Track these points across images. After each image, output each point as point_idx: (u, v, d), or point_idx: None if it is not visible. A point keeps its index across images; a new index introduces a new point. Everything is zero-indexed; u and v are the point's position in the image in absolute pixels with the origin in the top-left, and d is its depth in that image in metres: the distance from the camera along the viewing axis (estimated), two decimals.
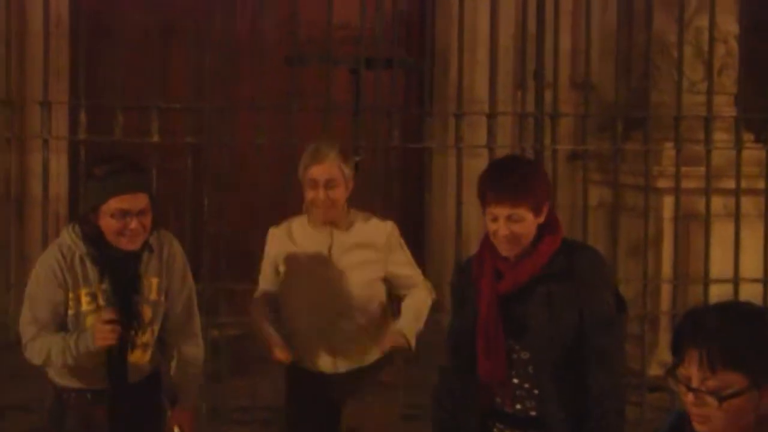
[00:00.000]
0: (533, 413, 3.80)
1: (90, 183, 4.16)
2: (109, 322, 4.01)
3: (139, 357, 4.25)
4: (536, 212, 3.73)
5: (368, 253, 4.70)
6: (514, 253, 3.75)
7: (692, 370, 2.77)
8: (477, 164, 7.39)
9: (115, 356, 4.16)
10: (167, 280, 4.27)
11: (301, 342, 4.69)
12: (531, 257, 3.75)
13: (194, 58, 6.33)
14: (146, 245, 4.16)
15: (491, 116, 6.85)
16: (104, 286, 4.13)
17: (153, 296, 4.23)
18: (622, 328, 3.93)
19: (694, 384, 2.76)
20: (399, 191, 6.89)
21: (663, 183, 7.85)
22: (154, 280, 4.22)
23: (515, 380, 3.81)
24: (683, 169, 7.23)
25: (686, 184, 7.32)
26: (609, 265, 3.86)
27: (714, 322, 2.78)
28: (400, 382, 5.38)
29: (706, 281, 7.14)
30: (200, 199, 6.47)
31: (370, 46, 6.63)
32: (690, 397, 2.78)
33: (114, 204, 4.00)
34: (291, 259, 4.69)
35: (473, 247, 7.76)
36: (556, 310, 3.73)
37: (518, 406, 3.83)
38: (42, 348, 4.15)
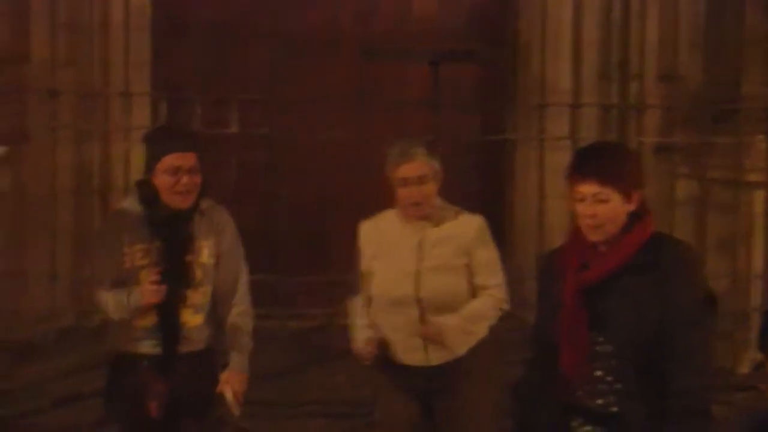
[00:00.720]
0: (614, 409, 3.72)
1: (147, 146, 4.49)
2: (154, 282, 4.29)
3: (191, 317, 4.45)
4: (625, 196, 3.65)
5: (455, 248, 4.67)
6: (600, 238, 3.67)
7: None
8: (559, 157, 7.33)
9: (167, 315, 4.39)
10: (218, 245, 4.48)
11: (393, 336, 4.67)
12: (618, 247, 3.67)
13: (271, 50, 6.32)
14: (198, 209, 4.43)
15: (575, 107, 6.75)
16: (157, 243, 4.37)
17: (203, 258, 4.45)
18: (709, 326, 3.77)
19: None
20: (480, 185, 6.84)
21: (754, 177, 7.65)
22: (205, 243, 4.45)
23: (598, 373, 3.71)
24: None
25: None
26: (699, 260, 3.74)
27: None
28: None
29: None
30: (277, 191, 6.48)
31: (448, 39, 6.58)
32: None
33: (168, 161, 4.34)
34: (381, 253, 4.70)
35: (556, 240, 7.71)
36: (641, 303, 3.64)
37: (599, 401, 3.74)
38: (102, 301, 4.44)
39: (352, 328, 4.77)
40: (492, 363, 4.80)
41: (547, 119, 6.75)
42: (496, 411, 4.77)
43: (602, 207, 3.64)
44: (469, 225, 4.73)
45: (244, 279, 4.61)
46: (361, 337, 4.67)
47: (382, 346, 4.64)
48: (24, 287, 6.74)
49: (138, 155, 6.99)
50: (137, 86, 6.73)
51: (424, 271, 4.62)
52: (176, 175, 4.34)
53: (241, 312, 4.58)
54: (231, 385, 4.49)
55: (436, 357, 4.65)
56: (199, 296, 4.45)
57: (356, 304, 4.81)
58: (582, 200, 3.66)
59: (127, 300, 4.36)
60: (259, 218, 6.34)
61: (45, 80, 6.65)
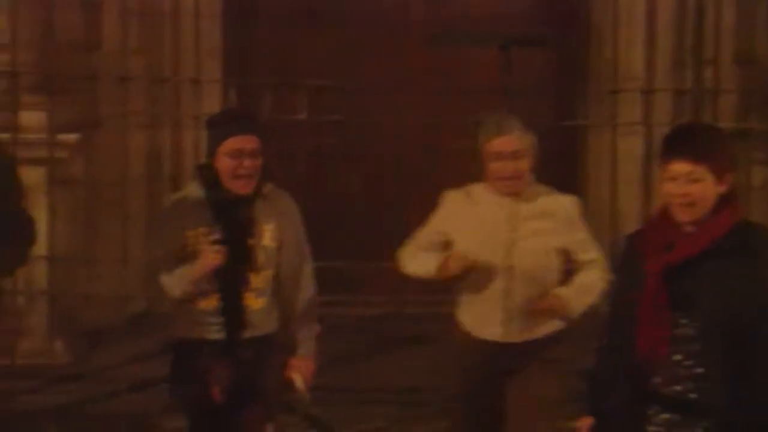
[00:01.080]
0: (693, 396, 3.66)
1: (209, 130, 4.49)
2: (215, 242, 4.29)
3: (253, 301, 4.43)
4: (717, 177, 3.61)
5: (548, 223, 4.60)
6: (690, 218, 3.63)
7: None
8: (632, 142, 7.26)
9: (230, 298, 4.38)
10: (280, 229, 4.46)
11: (473, 308, 4.63)
12: (706, 229, 3.63)
13: (341, 36, 6.31)
14: (260, 193, 4.42)
15: (648, 93, 6.66)
16: (219, 227, 4.36)
17: (266, 242, 4.42)
18: None
19: None
20: (552, 171, 6.74)
21: None
22: (267, 227, 4.43)
23: (677, 357, 3.65)
24: None
25: None
26: None
27: None
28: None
29: None
30: (347, 177, 6.48)
31: (519, 23, 6.52)
32: None
33: (230, 144, 4.33)
34: (468, 223, 4.61)
35: (628, 226, 7.64)
36: (730, 288, 3.57)
37: (677, 387, 3.67)
38: (162, 280, 4.43)
39: (419, 260, 4.65)
40: (566, 348, 4.70)
41: (619, 105, 6.65)
42: (564, 397, 4.73)
43: (695, 186, 3.59)
44: (563, 202, 4.70)
45: (307, 264, 4.61)
46: (436, 258, 4.56)
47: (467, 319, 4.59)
48: (96, 273, 6.81)
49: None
50: (208, 73, 6.72)
51: (517, 241, 4.54)
52: (238, 158, 4.33)
53: (306, 297, 4.58)
54: (299, 370, 4.50)
55: (515, 333, 4.58)
56: (261, 280, 4.43)
57: (413, 249, 4.72)
58: (674, 179, 3.62)
59: (190, 271, 4.35)
60: (329, 204, 6.33)
61: (116, 67, 6.68)
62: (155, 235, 4.62)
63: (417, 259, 4.69)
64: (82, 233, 6.79)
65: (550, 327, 4.64)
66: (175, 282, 4.40)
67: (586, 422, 3.90)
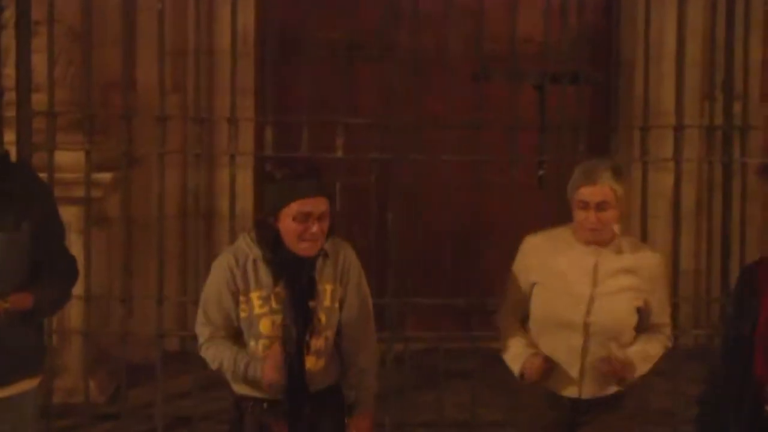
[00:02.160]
0: None
1: (271, 186, 4.17)
2: (279, 362, 4.09)
3: (314, 363, 4.25)
4: None
5: (633, 280, 4.51)
6: None
7: None
8: (663, 178, 7.32)
9: (290, 364, 4.16)
10: (342, 287, 4.28)
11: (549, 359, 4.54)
12: None
13: (380, 73, 6.35)
14: (322, 251, 4.20)
15: (678, 129, 6.72)
16: (278, 289, 4.16)
17: (327, 302, 4.23)
18: None
19: None
20: None
21: None
22: (329, 287, 4.23)
23: None
24: None
25: None
26: None
27: None
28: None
29: None
30: (385, 216, 6.49)
31: (555, 60, 6.57)
32: None
33: (296, 207, 4.06)
34: (551, 271, 4.53)
35: None
36: None
37: None
38: (215, 358, 4.28)
39: (507, 347, 4.60)
40: (638, 393, 4.71)
41: (650, 141, 6.70)
42: None
43: None
44: (651, 259, 4.60)
45: (370, 320, 4.42)
46: (523, 353, 4.51)
47: (549, 364, 4.49)
48: (131, 311, 6.81)
49: (243, 181, 7.13)
50: (241, 112, 6.76)
51: (598, 297, 4.46)
52: (305, 223, 4.09)
53: (367, 354, 4.41)
54: (356, 429, 4.39)
55: (589, 390, 4.52)
56: (322, 342, 4.25)
57: (509, 323, 4.67)
58: None
59: (245, 369, 4.19)
60: (367, 241, 6.34)
61: (151, 106, 6.71)
62: (206, 299, 4.32)
63: (509, 346, 4.60)
64: (118, 272, 6.80)
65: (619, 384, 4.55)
66: (227, 368, 4.24)
67: None
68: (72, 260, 4.45)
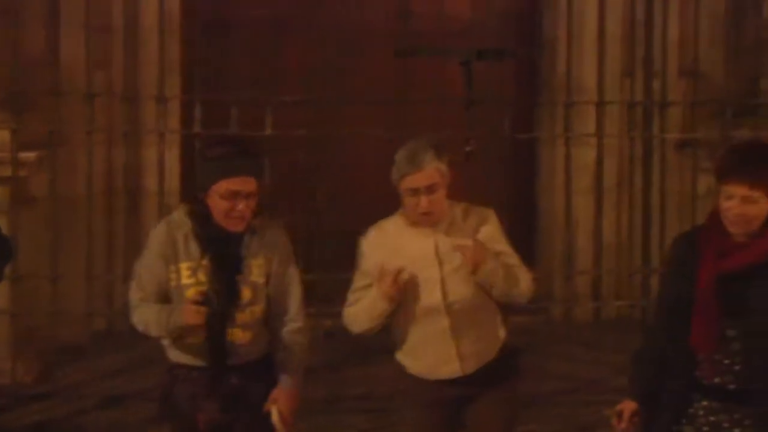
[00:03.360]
0: (731, 386, 3.87)
1: (203, 164, 4.26)
2: (196, 302, 4.15)
3: (239, 336, 4.30)
4: None
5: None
6: (741, 232, 3.81)
7: None
8: (585, 153, 7.45)
9: (214, 334, 4.23)
10: (269, 263, 4.33)
11: (421, 351, 4.52)
12: (758, 243, 3.80)
13: (305, 51, 6.38)
14: (249, 228, 4.26)
15: (599, 105, 6.83)
16: (205, 262, 4.23)
17: (254, 278, 4.29)
18: None
19: None
20: (509, 181, 6.92)
21: None
22: (256, 262, 4.29)
23: (718, 355, 3.86)
24: None
25: None
26: None
27: None
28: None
29: None
30: (313, 191, 6.53)
31: (481, 37, 6.65)
32: None
33: (225, 185, 4.13)
34: (397, 264, 4.39)
35: (581, 237, 7.87)
36: None
37: (716, 380, 3.89)
38: (142, 317, 4.32)
39: (363, 308, 4.48)
40: (519, 366, 4.65)
41: (572, 117, 6.82)
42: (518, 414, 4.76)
43: (750, 207, 3.75)
44: (481, 220, 4.52)
45: (297, 296, 4.43)
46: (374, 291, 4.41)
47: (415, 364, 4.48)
48: (59, 290, 6.78)
49: (171, 159, 7.12)
50: (167, 89, 6.74)
51: (447, 277, 4.42)
52: (233, 201, 4.16)
53: (294, 329, 4.42)
54: (278, 404, 4.36)
55: (470, 365, 4.49)
56: (247, 316, 4.30)
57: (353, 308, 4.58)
58: (729, 198, 3.77)
59: (167, 319, 4.24)
60: (295, 217, 6.38)
61: (76, 84, 6.68)
62: (139, 267, 4.37)
63: (361, 309, 4.51)
64: (45, 251, 6.76)
65: (496, 347, 4.55)
66: (154, 324, 4.28)
67: (629, 406, 4.03)
68: (5, 240, 4.43)
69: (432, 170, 4.33)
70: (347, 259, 6.52)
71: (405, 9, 6.55)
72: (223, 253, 4.23)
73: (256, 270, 4.29)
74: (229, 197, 4.14)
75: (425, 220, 4.40)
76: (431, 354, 4.49)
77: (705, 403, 3.93)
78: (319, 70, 6.47)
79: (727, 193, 3.78)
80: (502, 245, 4.52)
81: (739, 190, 3.74)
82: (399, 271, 4.34)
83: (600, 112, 6.83)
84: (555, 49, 7.77)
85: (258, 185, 4.21)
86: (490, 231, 4.49)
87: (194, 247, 4.25)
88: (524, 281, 4.50)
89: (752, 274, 3.80)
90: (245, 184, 4.15)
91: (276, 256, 4.34)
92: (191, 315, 4.15)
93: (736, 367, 3.85)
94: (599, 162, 6.86)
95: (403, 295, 4.40)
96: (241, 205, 4.15)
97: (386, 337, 5.90)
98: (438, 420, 4.59)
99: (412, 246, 4.45)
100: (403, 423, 4.72)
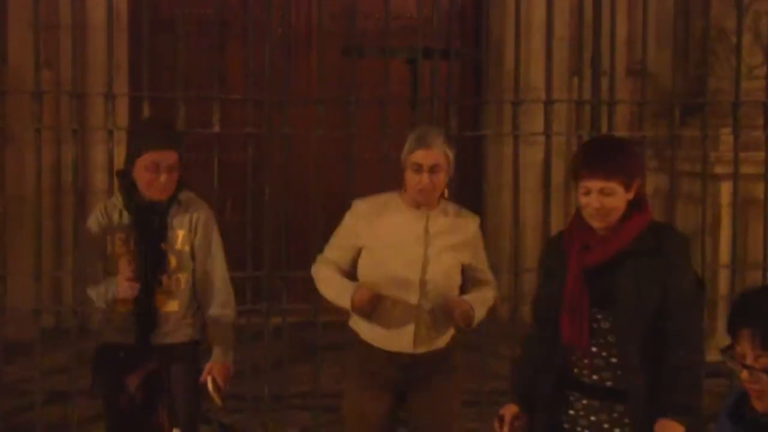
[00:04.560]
0: (609, 384, 3.95)
1: (130, 139, 4.78)
2: (129, 278, 4.48)
3: (164, 303, 4.63)
4: (627, 187, 3.92)
5: (460, 240, 4.74)
6: (603, 225, 3.95)
7: (746, 349, 2.95)
8: (533, 152, 7.51)
9: (141, 301, 4.57)
10: (193, 233, 4.67)
11: (382, 319, 4.68)
12: (620, 232, 3.94)
13: (252, 49, 6.38)
14: (175, 199, 4.64)
15: (547, 104, 6.87)
16: (134, 232, 4.58)
17: (178, 246, 4.64)
18: (702, 307, 4.12)
19: (748, 362, 2.95)
20: (457, 180, 6.91)
21: (720, 169, 7.85)
22: (180, 232, 4.65)
23: (594, 349, 3.96)
24: (741, 154, 7.20)
25: (744, 170, 7.30)
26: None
27: (766, 302, 2.91)
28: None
29: (765, 266, 7.11)
30: (261, 189, 6.53)
31: (426, 36, 6.66)
32: (745, 374, 2.97)
33: (147, 158, 4.53)
34: (380, 236, 4.69)
35: (529, 235, 7.93)
36: (642, 284, 3.88)
37: (595, 377, 3.98)
38: (91, 293, 4.67)
39: (333, 287, 4.73)
40: (459, 363, 4.85)
41: (520, 115, 6.85)
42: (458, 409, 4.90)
43: (607, 200, 3.91)
44: (471, 222, 4.83)
45: (220, 270, 4.76)
46: (350, 287, 4.65)
47: (376, 297, 4.60)
48: (6, 288, 6.76)
49: (118, 157, 7.09)
50: (116, 87, 6.71)
51: (431, 258, 4.64)
52: (154, 172, 4.53)
53: (220, 303, 4.72)
54: (212, 375, 4.62)
55: (422, 345, 4.67)
56: (173, 283, 4.63)
57: (329, 269, 4.79)
58: (587, 193, 3.93)
59: (106, 291, 4.56)
60: (243, 216, 6.40)
61: (23, 82, 6.67)
62: (84, 242, 4.87)
63: (331, 285, 4.76)
64: None
65: (448, 337, 4.78)
66: (95, 296, 4.64)
67: (511, 409, 4.14)
68: None
69: (439, 152, 4.63)
70: (295, 256, 6.61)
71: (351, 8, 6.54)
72: (148, 220, 4.59)
73: (180, 239, 4.65)
74: (153, 169, 4.54)
75: (422, 198, 4.65)
76: (391, 324, 4.67)
77: (585, 402, 4.02)
78: (266, 69, 6.45)
79: (584, 189, 3.94)
80: (480, 256, 4.85)
81: (595, 184, 3.89)
82: (377, 295, 4.58)
83: (548, 110, 6.85)
84: (502, 48, 7.84)
85: (178, 158, 4.59)
86: (476, 241, 4.83)
87: (126, 218, 4.62)
88: (489, 303, 4.83)
89: (617, 263, 3.92)
90: (166, 156, 4.54)
91: (200, 227, 4.69)
92: (125, 289, 4.50)
93: (613, 360, 3.94)
94: (547, 160, 6.88)
95: (370, 312, 4.63)
96: (163, 177, 4.54)
97: (332, 333, 5.98)
98: (381, 406, 4.75)
99: (404, 221, 4.69)
100: (347, 401, 4.84)
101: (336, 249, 4.85)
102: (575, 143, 7.30)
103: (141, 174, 4.56)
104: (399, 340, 4.68)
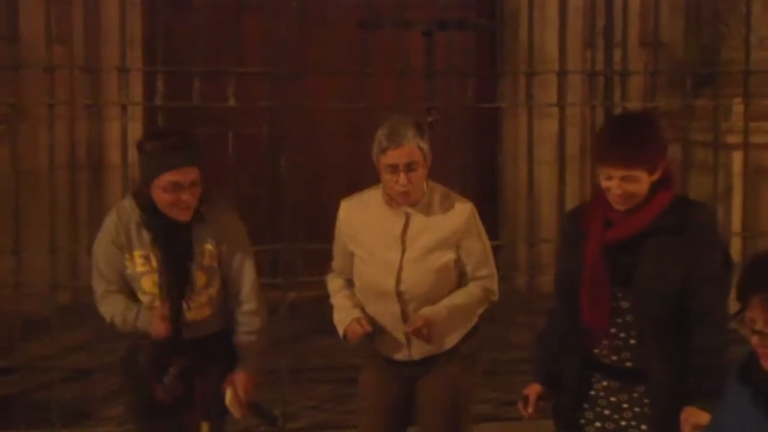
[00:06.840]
0: (629, 364, 3.87)
1: (143, 159, 4.29)
2: (164, 317, 4.25)
3: (196, 314, 4.39)
4: (651, 172, 3.78)
5: (443, 238, 4.45)
6: (626, 207, 3.83)
7: (756, 314, 2.91)
8: (547, 123, 7.50)
9: (172, 318, 4.31)
10: (219, 247, 4.39)
11: (377, 329, 4.53)
12: (642, 211, 3.81)
13: (268, 22, 6.35)
14: (197, 215, 4.32)
15: (561, 75, 6.86)
16: (156, 251, 4.31)
17: (206, 262, 4.36)
18: (728, 286, 3.80)
19: (758, 326, 2.90)
20: (473, 152, 6.92)
21: (732, 138, 7.85)
22: (207, 247, 4.35)
23: (612, 330, 3.87)
24: (752, 124, 7.20)
25: (755, 139, 7.31)
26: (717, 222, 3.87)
27: None
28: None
29: None
30: (276, 162, 6.52)
31: (442, 8, 6.65)
32: (755, 339, 2.93)
33: (166, 178, 4.18)
34: (363, 241, 4.51)
35: (545, 206, 7.92)
36: (665, 263, 3.77)
37: (614, 357, 3.90)
38: (108, 311, 4.42)
39: (336, 309, 4.64)
40: (476, 343, 4.66)
41: (534, 86, 6.84)
42: (474, 391, 4.75)
43: (631, 185, 3.77)
44: (458, 214, 4.49)
45: (249, 278, 4.48)
46: (346, 318, 4.53)
47: (373, 327, 4.49)
48: (23, 264, 6.75)
49: (133, 132, 7.08)
50: (130, 62, 6.70)
51: (405, 264, 4.42)
52: (175, 193, 4.21)
53: (246, 311, 4.48)
54: (234, 386, 4.46)
55: (419, 352, 4.53)
56: (204, 298, 4.40)
57: (337, 284, 4.70)
58: (609, 179, 3.78)
59: (134, 322, 4.33)
60: (258, 188, 6.39)
61: (36, 57, 6.64)
62: (96, 254, 4.44)
63: (335, 307, 4.65)
64: (7, 224, 6.72)
65: (458, 336, 4.58)
66: (119, 320, 4.39)
67: (535, 389, 4.06)
68: None
69: (413, 147, 4.32)
70: (311, 229, 6.60)
71: None
72: (172, 241, 4.30)
73: (207, 255, 4.36)
74: (172, 189, 4.19)
75: (402, 198, 4.40)
76: (385, 334, 4.54)
77: (605, 383, 3.95)
78: (282, 42, 6.43)
79: (606, 174, 3.79)
80: (474, 241, 4.51)
81: (617, 172, 3.74)
82: (368, 331, 4.45)
83: (562, 81, 6.84)
84: (516, 19, 7.81)
85: (199, 172, 4.25)
86: (465, 233, 4.47)
87: (146, 235, 4.32)
88: (469, 305, 4.52)
89: (639, 242, 3.81)
90: (186, 174, 4.21)
91: (226, 239, 4.40)
92: (158, 328, 4.27)
93: (632, 341, 3.86)
94: (561, 131, 6.87)
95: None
96: (185, 196, 4.22)
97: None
98: (395, 386, 4.64)
99: (381, 224, 4.47)
100: (363, 383, 4.75)
101: (337, 257, 4.73)
102: (589, 114, 7.31)
103: (160, 195, 4.23)
104: (395, 349, 4.57)
